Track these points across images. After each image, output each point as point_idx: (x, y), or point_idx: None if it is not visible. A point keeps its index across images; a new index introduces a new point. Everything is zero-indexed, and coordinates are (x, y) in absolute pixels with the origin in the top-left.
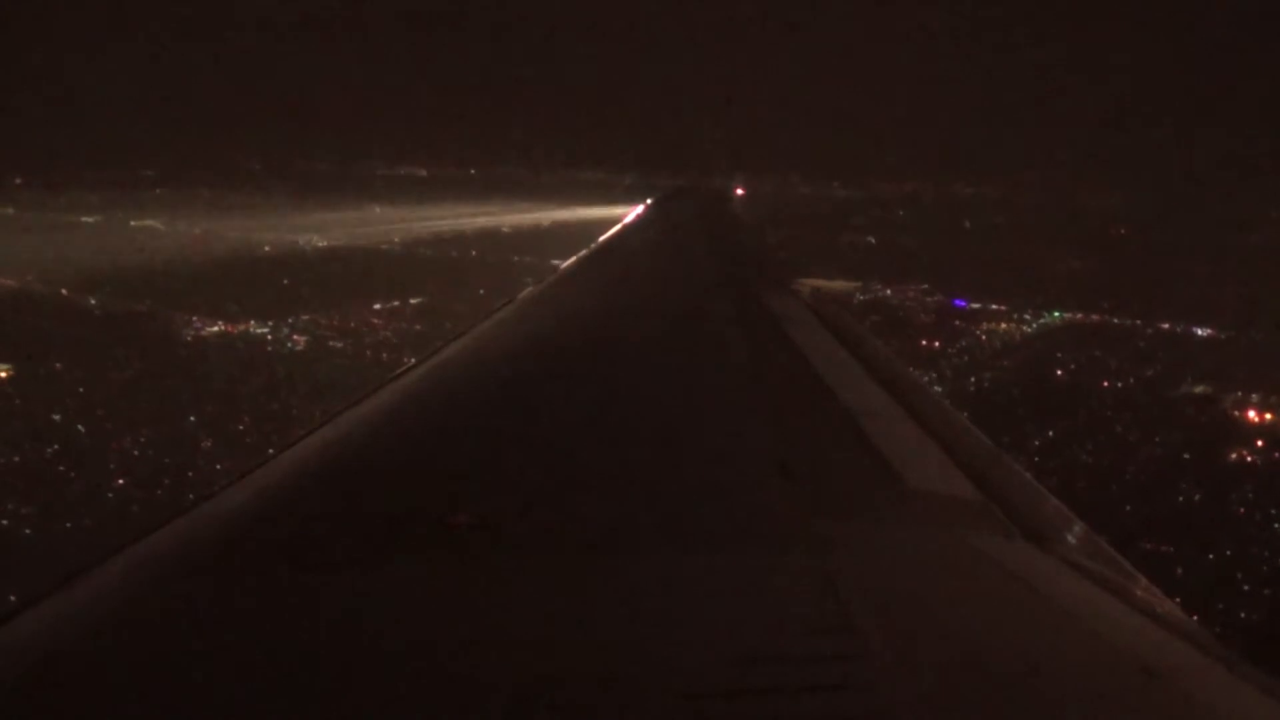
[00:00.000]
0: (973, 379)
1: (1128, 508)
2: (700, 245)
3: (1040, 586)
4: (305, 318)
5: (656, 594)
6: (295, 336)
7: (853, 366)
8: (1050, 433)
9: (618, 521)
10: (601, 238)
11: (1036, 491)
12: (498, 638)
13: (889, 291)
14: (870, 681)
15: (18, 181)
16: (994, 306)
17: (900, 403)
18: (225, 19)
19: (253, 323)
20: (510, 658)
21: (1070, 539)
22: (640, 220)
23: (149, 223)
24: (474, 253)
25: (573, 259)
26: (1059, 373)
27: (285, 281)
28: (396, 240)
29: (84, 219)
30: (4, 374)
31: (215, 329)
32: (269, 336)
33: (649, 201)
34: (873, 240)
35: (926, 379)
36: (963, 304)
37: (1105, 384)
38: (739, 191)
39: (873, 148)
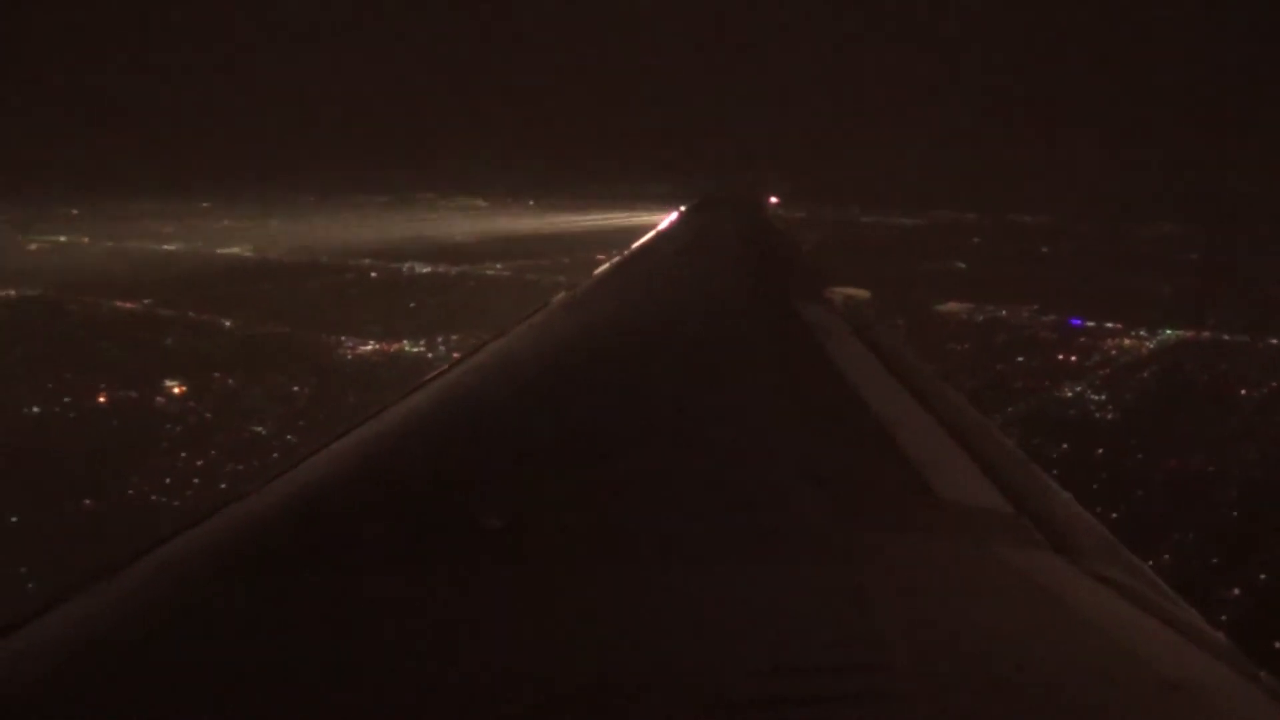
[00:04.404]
0: (1125, 390)
1: None
2: (733, 252)
3: (1070, 600)
4: (455, 337)
5: (684, 601)
6: (455, 355)
7: (884, 376)
8: (1220, 430)
9: (648, 527)
10: (634, 244)
11: (1068, 504)
12: (524, 642)
13: (1004, 313)
14: (897, 693)
15: (74, 213)
16: (1109, 325)
17: (931, 413)
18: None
19: (405, 342)
20: (537, 662)
21: (1102, 553)
22: (672, 227)
23: (234, 250)
24: (545, 261)
25: (605, 265)
26: (1197, 382)
27: (411, 304)
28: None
29: (165, 247)
30: (179, 390)
31: (368, 348)
32: (429, 355)
33: (681, 209)
34: (963, 265)
35: (1080, 389)
36: (1078, 323)
37: (1244, 391)
38: (773, 200)
39: (916, 176)
